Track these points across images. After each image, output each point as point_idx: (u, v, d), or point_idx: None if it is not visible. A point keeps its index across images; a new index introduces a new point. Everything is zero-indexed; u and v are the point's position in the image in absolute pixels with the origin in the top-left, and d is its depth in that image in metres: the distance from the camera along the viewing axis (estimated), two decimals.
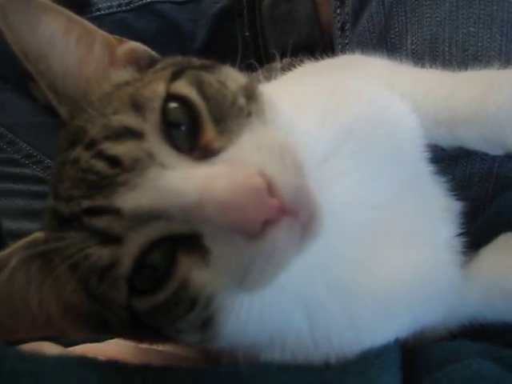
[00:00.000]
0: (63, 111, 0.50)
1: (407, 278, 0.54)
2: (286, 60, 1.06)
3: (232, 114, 0.46)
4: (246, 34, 1.16)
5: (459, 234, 0.60)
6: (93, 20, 0.53)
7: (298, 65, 0.79)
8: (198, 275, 0.43)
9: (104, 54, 0.52)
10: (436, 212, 0.60)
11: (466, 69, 0.65)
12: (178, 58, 0.53)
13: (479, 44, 0.66)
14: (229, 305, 0.45)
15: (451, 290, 0.58)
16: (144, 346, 0.60)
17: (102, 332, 0.51)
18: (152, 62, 0.53)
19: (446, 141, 0.61)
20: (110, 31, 0.54)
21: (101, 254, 0.43)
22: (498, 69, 0.62)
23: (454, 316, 0.61)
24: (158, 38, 1.17)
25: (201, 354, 0.61)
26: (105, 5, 1.20)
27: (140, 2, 1.21)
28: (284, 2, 1.16)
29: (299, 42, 1.17)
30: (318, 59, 0.76)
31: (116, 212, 0.42)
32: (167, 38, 1.17)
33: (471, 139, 0.60)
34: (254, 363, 0.52)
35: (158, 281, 0.43)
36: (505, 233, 0.62)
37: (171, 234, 0.42)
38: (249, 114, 0.47)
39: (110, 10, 1.21)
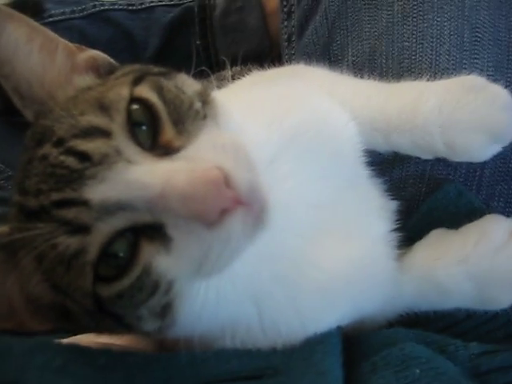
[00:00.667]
0: (28, 113, 0.54)
1: (348, 270, 0.59)
2: (236, 69, 1.11)
3: (189, 117, 0.50)
4: (198, 42, 1.19)
5: (395, 230, 0.66)
6: (45, 26, 0.56)
7: (247, 73, 0.84)
8: (160, 261, 0.47)
9: (66, 60, 0.56)
10: (373, 210, 0.65)
11: (402, 80, 0.71)
12: (138, 66, 0.57)
13: (412, 57, 0.71)
14: (186, 292, 0.49)
15: (388, 281, 0.63)
16: (103, 339, 0.63)
17: (63, 324, 0.53)
18: (111, 69, 0.57)
19: (382, 146, 0.67)
20: (63, 38, 0.57)
21: (69, 242, 0.46)
22: (429, 80, 0.68)
23: (391, 307, 0.66)
24: (111, 45, 1.19)
25: (157, 347, 0.64)
26: (58, 11, 1.21)
27: (93, 10, 1.23)
28: (234, 13, 1.20)
29: (249, 51, 1.21)
30: (265, 68, 0.81)
31: (84, 203, 0.45)
32: (120, 46, 1.20)
33: (403, 145, 0.65)
34: (206, 351, 0.56)
35: (122, 268, 0.46)
36: (436, 229, 0.68)
37: (136, 223, 0.46)
38: (204, 117, 0.51)
39: (63, 17, 1.22)
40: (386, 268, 0.62)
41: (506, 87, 0.68)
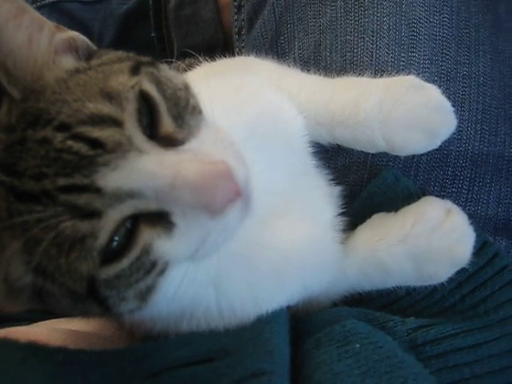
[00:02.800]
0: (13, 90, 0.53)
1: (299, 251, 0.64)
2: (189, 60, 1.13)
3: (188, 112, 0.53)
4: (153, 34, 1.21)
5: (340, 215, 0.70)
6: None
7: (197, 65, 0.86)
8: (160, 244, 0.49)
9: (51, 41, 0.56)
10: (322, 197, 0.69)
11: (345, 72, 0.75)
12: (124, 53, 0.59)
13: (354, 51, 0.75)
14: (170, 274, 0.52)
15: (334, 262, 0.67)
16: (68, 325, 0.66)
17: (36, 306, 0.54)
18: (90, 52, 0.58)
19: (326, 139, 0.71)
20: None
21: (78, 227, 0.47)
22: (371, 75, 0.72)
23: (336, 288, 0.71)
24: None
25: (121, 331, 0.67)
26: None
27: (47, 1, 1.23)
28: (188, 5, 1.22)
29: (203, 43, 1.24)
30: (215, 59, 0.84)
31: (97, 190, 0.47)
32: None
33: (346, 139, 0.69)
34: (158, 339, 0.59)
35: (117, 251, 0.49)
36: (375, 213, 0.72)
37: (141, 211, 0.48)
38: (200, 112, 0.55)
39: None
40: (332, 250, 0.67)
41: (441, 79, 0.74)
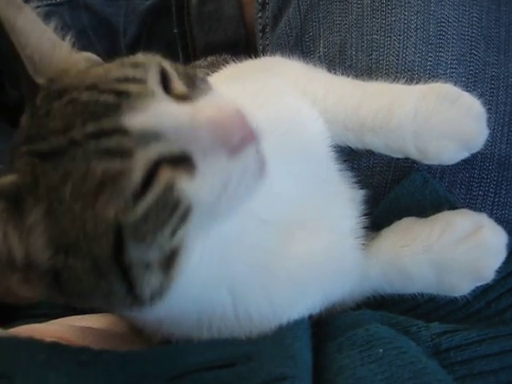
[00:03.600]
0: (39, 79, 0.56)
1: (318, 261, 0.63)
2: (212, 58, 1.13)
3: (196, 80, 0.55)
4: (175, 31, 1.21)
5: (363, 217, 0.69)
6: None
7: (222, 63, 0.86)
8: (182, 184, 0.50)
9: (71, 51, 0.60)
10: (343, 203, 0.68)
11: (371, 72, 0.74)
12: None
13: (381, 50, 0.74)
14: (190, 249, 0.52)
15: (355, 269, 0.66)
16: (82, 323, 0.66)
17: (53, 292, 0.54)
18: None
19: (354, 144, 0.69)
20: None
21: (109, 168, 0.48)
22: (399, 75, 0.71)
23: (358, 290, 0.70)
24: (91, 32, 1.20)
25: (135, 332, 0.67)
26: None
27: None
28: (211, 1, 1.21)
29: (225, 39, 1.23)
30: (241, 59, 0.84)
31: (124, 132, 0.48)
32: (100, 33, 1.21)
33: (376, 145, 0.68)
34: (181, 343, 0.59)
35: (144, 187, 0.49)
36: (402, 215, 0.71)
37: (164, 156, 0.49)
38: (208, 81, 0.57)
39: (40, 3, 1.23)
40: (352, 257, 0.66)
41: (469, 80, 0.72)
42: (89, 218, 0.49)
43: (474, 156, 0.71)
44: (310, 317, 0.65)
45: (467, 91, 0.69)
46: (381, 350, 0.59)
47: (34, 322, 0.67)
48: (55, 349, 0.52)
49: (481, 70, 0.72)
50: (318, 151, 0.68)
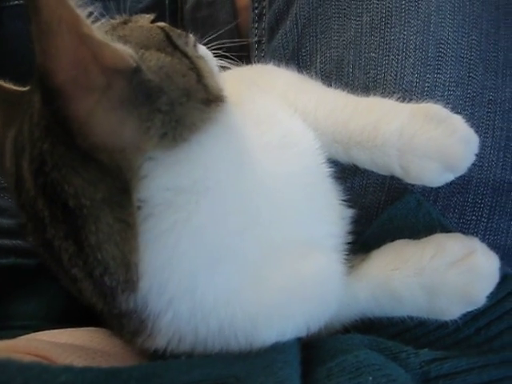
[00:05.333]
0: None
1: (302, 283, 0.61)
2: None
3: None
4: None
5: (351, 237, 0.68)
6: None
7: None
8: None
9: None
10: (331, 219, 0.67)
11: (368, 90, 0.73)
12: None
13: (378, 68, 0.73)
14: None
15: (342, 292, 0.65)
16: (66, 339, 0.63)
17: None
18: None
19: (342, 158, 0.68)
20: None
21: None
22: (394, 97, 0.70)
23: (346, 312, 0.69)
24: None
25: (129, 350, 0.65)
26: None
27: None
28: (205, 7, 1.20)
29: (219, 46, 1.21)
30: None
31: None
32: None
33: (362, 161, 0.67)
34: (168, 360, 0.57)
35: None
36: (394, 237, 0.70)
37: None
38: None
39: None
40: (338, 279, 0.64)
41: (466, 103, 0.71)
42: None
43: (468, 180, 0.71)
44: (299, 339, 0.63)
45: (464, 114, 0.68)
46: (370, 378, 0.57)
47: (11, 334, 0.65)
48: (33, 369, 0.50)
49: (478, 94, 0.72)
50: (310, 165, 0.67)
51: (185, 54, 0.54)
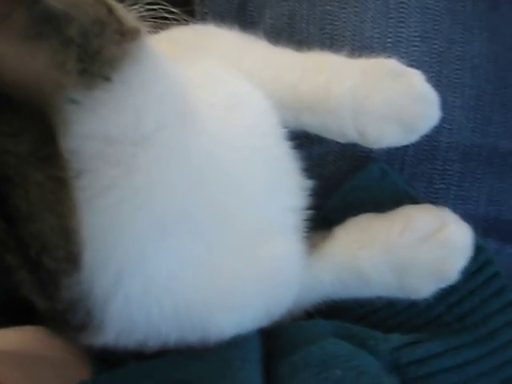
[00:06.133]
0: None
1: (259, 270, 0.54)
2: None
3: None
4: None
5: (311, 213, 0.61)
6: None
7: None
8: None
9: None
10: (288, 191, 0.60)
11: (324, 48, 0.65)
12: None
13: (335, 23, 0.65)
14: None
15: (303, 275, 0.59)
16: None
17: None
18: None
19: (291, 124, 0.61)
20: None
21: None
22: (356, 53, 0.63)
23: (309, 295, 0.63)
24: None
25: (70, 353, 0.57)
26: None
27: None
28: None
29: None
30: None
31: None
32: None
33: (314, 126, 0.61)
34: (114, 370, 0.50)
35: None
36: (357, 210, 0.64)
37: None
38: None
39: None
40: (298, 263, 0.58)
41: (432, 59, 0.65)
42: None
43: (436, 146, 0.65)
44: (260, 330, 0.57)
45: (431, 72, 0.63)
46: (338, 371, 0.52)
47: None
48: None
49: (446, 49, 0.65)
50: (262, 126, 0.59)
51: None
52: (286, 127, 0.61)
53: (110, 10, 0.45)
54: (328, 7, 0.66)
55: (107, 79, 0.43)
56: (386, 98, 0.57)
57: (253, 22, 0.72)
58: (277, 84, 0.60)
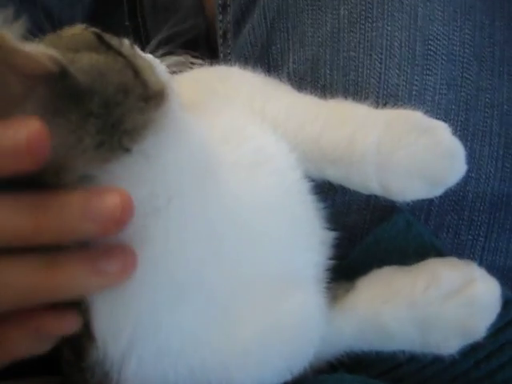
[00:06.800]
0: None
1: (279, 327, 0.53)
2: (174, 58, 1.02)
3: None
4: (126, 23, 1.08)
5: (334, 262, 0.60)
6: None
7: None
8: None
9: None
10: (311, 245, 0.59)
11: (348, 95, 0.64)
12: None
13: (359, 70, 0.64)
14: None
15: (325, 329, 0.57)
16: None
17: None
18: None
19: (315, 175, 0.60)
20: None
21: None
22: (376, 101, 0.61)
23: (330, 348, 0.61)
24: (30, 26, 1.06)
25: None
26: None
27: None
28: None
29: (183, 32, 1.11)
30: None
31: None
32: (39, 27, 1.06)
33: (337, 178, 0.59)
34: None
35: None
36: (381, 261, 0.62)
37: None
38: None
39: None
40: (322, 319, 0.57)
41: (460, 107, 0.63)
42: None
43: (463, 195, 0.63)
44: None
45: (458, 121, 0.61)
46: None
47: None
48: None
49: (473, 96, 0.63)
50: (287, 184, 0.58)
51: (119, 53, 0.46)
52: (309, 177, 0.60)
53: (137, 73, 0.44)
54: (352, 53, 0.65)
55: (126, 151, 0.43)
56: (411, 153, 0.55)
57: (276, 65, 0.71)
58: (300, 136, 0.59)
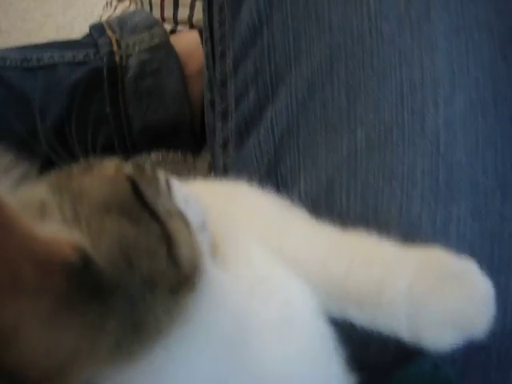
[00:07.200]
0: None
1: None
2: (156, 156, 0.96)
3: None
4: (107, 110, 1.03)
5: None
6: None
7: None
8: None
9: None
10: None
11: (366, 223, 0.60)
12: None
13: (379, 198, 0.60)
14: None
15: None
16: None
17: None
18: None
19: (335, 314, 0.56)
20: None
21: None
22: (402, 231, 0.58)
23: None
24: (2, 110, 1.00)
25: None
26: None
27: None
28: (149, 76, 1.05)
29: (166, 119, 1.07)
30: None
31: None
32: (13, 113, 1.00)
33: (361, 320, 0.55)
34: None
35: None
36: None
37: None
38: None
39: None
40: None
41: (484, 239, 0.60)
42: None
43: (491, 336, 0.59)
44: None
45: (483, 254, 0.58)
46: None
47: None
48: None
49: (497, 227, 0.60)
50: (314, 335, 0.54)
51: (154, 215, 0.40)
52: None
53: (171, 248, 0.39)
54: (371, 179, 0.61)
55: (146, 352, 0.37)
56: (446, 303, 0.52)
57: (285, 185, 0.66)
58: (322, 275, 0.55)
